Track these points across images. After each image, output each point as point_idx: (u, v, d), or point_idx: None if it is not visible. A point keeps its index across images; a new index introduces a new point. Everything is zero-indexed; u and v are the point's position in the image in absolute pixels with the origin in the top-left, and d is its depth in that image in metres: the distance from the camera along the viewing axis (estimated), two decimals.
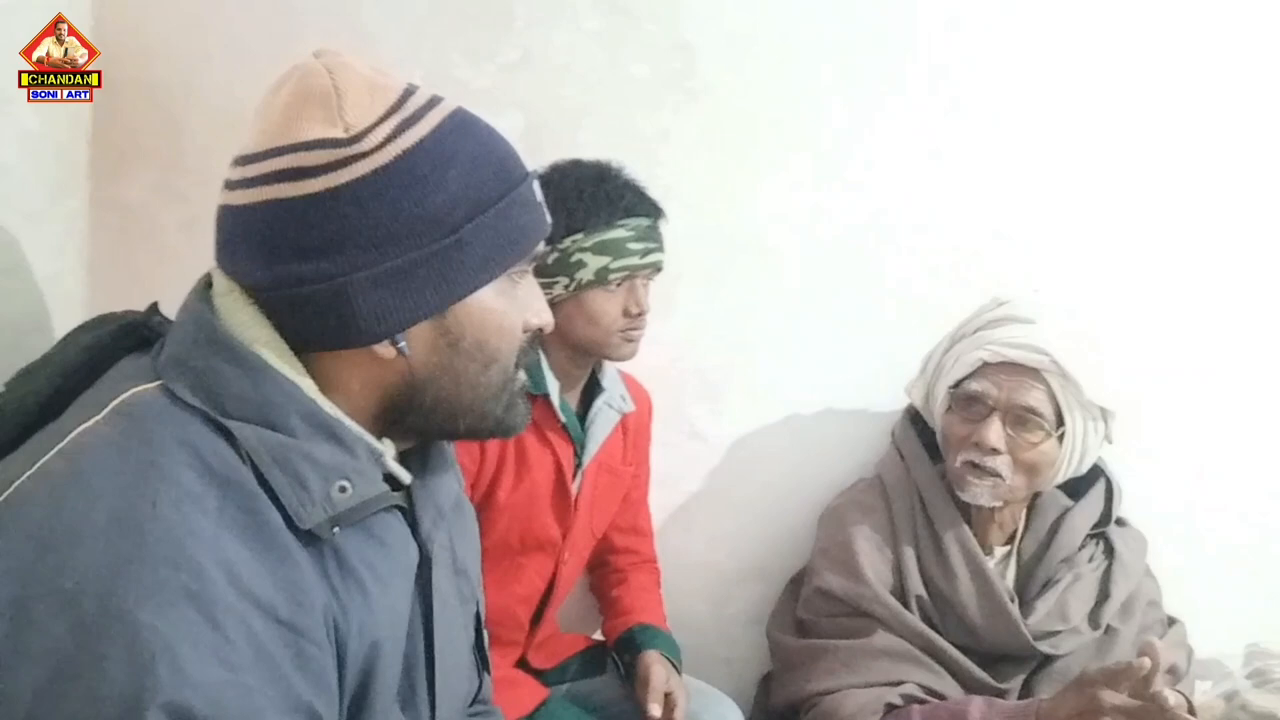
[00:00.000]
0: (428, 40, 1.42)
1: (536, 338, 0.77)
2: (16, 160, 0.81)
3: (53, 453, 0.59)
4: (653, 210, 1.27)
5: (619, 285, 1.24)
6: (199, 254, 0.71)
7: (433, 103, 0.68)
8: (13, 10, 0.73)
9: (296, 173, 0.63)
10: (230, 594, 0.55)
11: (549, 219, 0.75)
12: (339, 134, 0.63)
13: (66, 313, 0.92)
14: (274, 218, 0.63)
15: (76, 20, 0.96)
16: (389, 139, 0.64)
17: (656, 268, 1.27)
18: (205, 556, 0.55)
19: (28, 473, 0.58)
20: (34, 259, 0.85)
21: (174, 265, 1.21)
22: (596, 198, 1.21)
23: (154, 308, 0.74)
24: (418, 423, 0.72)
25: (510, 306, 0.72)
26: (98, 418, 0.60)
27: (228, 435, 0.61)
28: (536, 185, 0.74)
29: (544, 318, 0.77)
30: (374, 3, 1.41)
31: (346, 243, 0.63)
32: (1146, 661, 1.01)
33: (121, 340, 0.71)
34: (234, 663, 0.54)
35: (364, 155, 0.63)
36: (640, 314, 1.25)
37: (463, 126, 0.69)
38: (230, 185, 0.66)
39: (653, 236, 1.25)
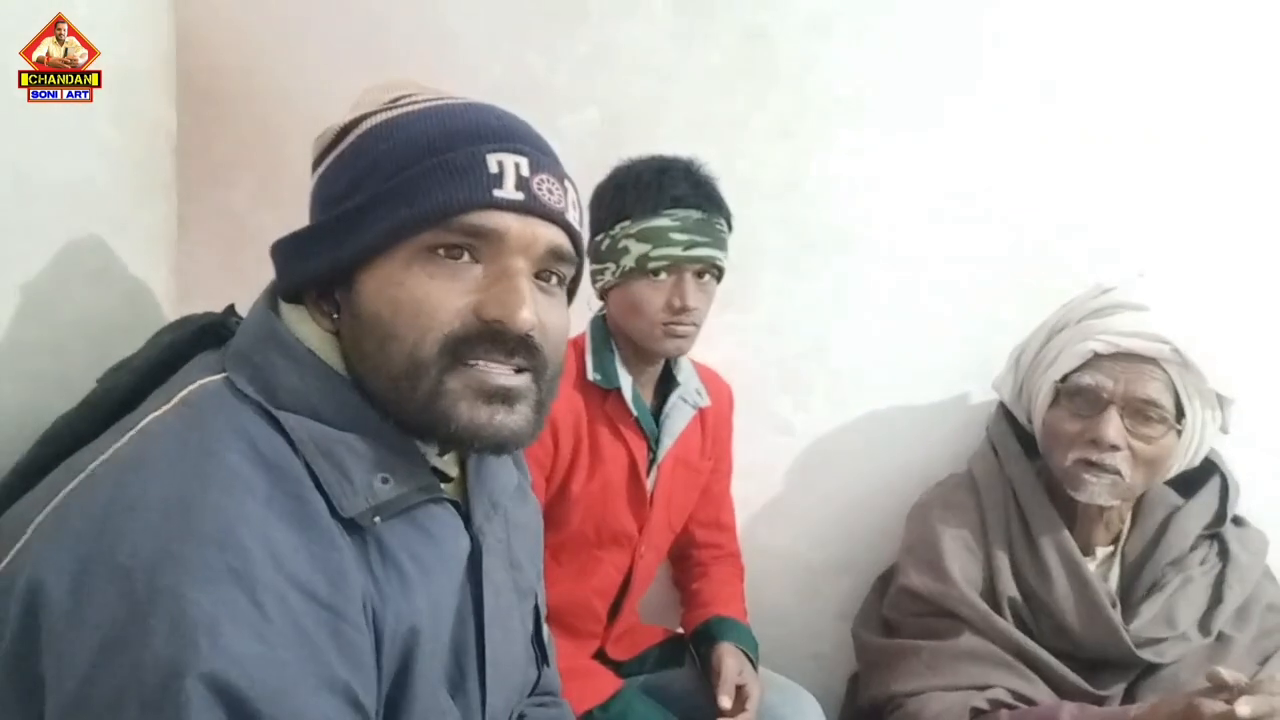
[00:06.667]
0: (504, 39, 1.45)
1: (499, 332, 0.68)
2: (99, 171, 0.87)
3: (124, 439, 0.63)
4: (707, 205, 1.22)
5: (663, 276, 1.21)
6: None
7: (436, 97, 0.72)
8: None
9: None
10: (272, 574, 0.58)
11: (515, 196, 0.68)
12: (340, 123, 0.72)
13: (152, 314, 0.98)
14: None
15: (159, 35, 1.01)
16: (360, 123, 0.71)
17: (709, 264, 1.23)
18: (251, 539, 0.58)
19: (102, 457, 0.63)
20: (121, 265, 0.91)
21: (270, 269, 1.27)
22: (649, 186, 1.20)
23: (230, 309, 0.80)
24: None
25: (431, 286, 0.67)
26: (166, 407, 0.65)
27: (280, 425, 0.65)
28: (515, 163, 0.69)
29: (505, 310, 0.67)
30: (455, 6, 1.45)
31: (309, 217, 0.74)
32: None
33: (200, 340, 0.76)
34: (272, 639, 0.56)
35: (339, 142, 0.72)
36: (683, 309, 1.21)
37: (439, 110, 0.71)
38: None
39: (703, 231, 1.21)
